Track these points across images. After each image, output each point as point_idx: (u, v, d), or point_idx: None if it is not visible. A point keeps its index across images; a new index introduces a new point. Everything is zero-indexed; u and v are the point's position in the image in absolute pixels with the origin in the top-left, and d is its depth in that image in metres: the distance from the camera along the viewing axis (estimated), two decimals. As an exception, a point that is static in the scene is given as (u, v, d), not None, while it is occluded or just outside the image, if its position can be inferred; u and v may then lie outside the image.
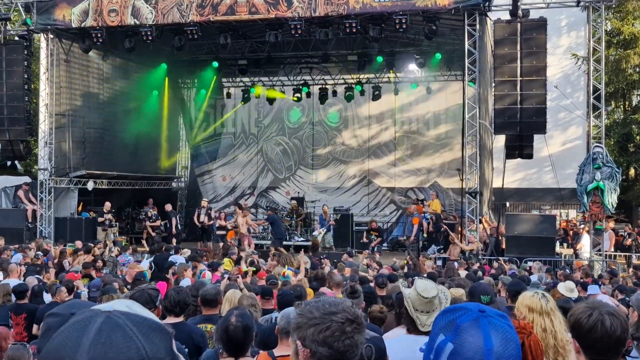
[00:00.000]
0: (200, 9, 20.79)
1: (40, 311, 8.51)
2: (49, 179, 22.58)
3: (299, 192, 29.92)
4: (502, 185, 21.66)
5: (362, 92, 28.94)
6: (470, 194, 19.64)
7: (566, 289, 9.39)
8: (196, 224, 23.91)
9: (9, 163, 27.00)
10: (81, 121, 24.35)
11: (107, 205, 23.21)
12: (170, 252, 16.84)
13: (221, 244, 22.68)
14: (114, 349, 1.35)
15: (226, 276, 11.90)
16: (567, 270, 15.46)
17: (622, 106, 33.10)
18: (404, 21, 19.47)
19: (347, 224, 25.19)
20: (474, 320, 1.85)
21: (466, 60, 19.74)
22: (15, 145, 22.51)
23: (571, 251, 20.44)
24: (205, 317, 6.54)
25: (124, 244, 22.08)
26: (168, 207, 24.69)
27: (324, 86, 29.61)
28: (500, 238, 19.95)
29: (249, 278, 12.29)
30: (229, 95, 31.26)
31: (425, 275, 12.05)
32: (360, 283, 9.85)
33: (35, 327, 8.63)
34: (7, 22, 22.83)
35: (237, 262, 15.52)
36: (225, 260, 15.34)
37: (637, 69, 29.09)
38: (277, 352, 4.58)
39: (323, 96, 29.39)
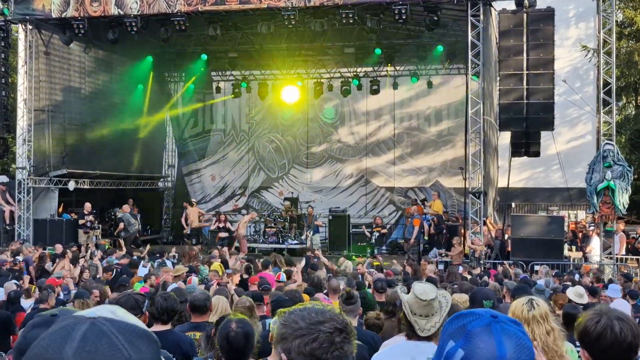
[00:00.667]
0: (188, -2, 20.79)
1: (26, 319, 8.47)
2: (27, 179, 22.52)
3: (292, 193, 29.91)
4: (508, 185, 21.67)
5: (359, 87, 28.94)
6: (474, 194, 19.66)
7: (575, 294, 9.37)
8: (183, 227, 23.93)
9: (-16, 162, 26.96)
10: (62, 117, 24.28)
11: (88, 206, 23.10)
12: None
13: (198, 247, 22.79)
14: (99, 357, 1.35)
15: (214, 281, 11.89)
16: (576, 276, 15.48)
17: (634, 101, 33.21)
18: (403, 11, 19.47)
19: (343, 225, 25.21)
20: (486, 326, 1.84)
21: (469, 53, 19.76)
22: (-8, 142, 22.49)
23: (580, 254, 20.46)
24: (193, 325, 6.53)
25: (107, 247, 22.04)
26: (126, 208, 24.22)
27: (319, 80, 29.60)
28: (505, 241, 19.98)
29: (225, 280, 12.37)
30: (218, 89, 31.24)
31: (424, 279, 12.06)
32: (357, 289, 9.86)
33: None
34: (-17, 12, 22.80)
35: (226, 265, 15.54)
36: (215, 264, 15.30)
37: (650, 62, 29.17)
38: (271, 360, 4.58)
39: (318, 91, 29.38)
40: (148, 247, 20.46)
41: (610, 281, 14.89)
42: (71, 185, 23.35)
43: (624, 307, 9.31)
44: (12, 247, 18.31)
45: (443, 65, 28.19)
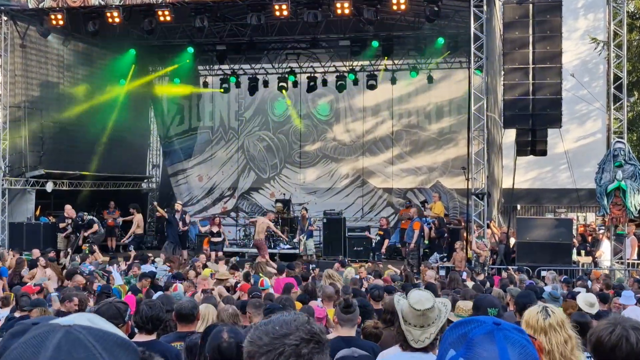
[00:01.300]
0: (173, -12, 20.77)
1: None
2: (2, 180, 22.47)
3: (284, 194, 29.86)
4: (513, 185, 21.70)
5: (355, 82, 28.95)
6: (477, 196, 19.67)
7: (585, 302, 9.32)
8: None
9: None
10: (39, 114, 24.23)
11: (68, 208, 23.04)
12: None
13: (185, 252, 22.80)
14: None
15: (200, 288, 11.90)
16: (588, 282, 15.47)
17: (645, 97, 33.23)
18: (402, 1, 19.48)
19: (338, 229, 25.18)
20: (488, 334, 1.84)
21: (472, 46, 19.77)
22: (-36, 141, 22.42)
23: (590, 259, 20.48)
24: (180, 335, 6.50)
25: (86, 252, 21.96)
26: (71, 212, 23.18)
27: (312, 75, 29.59)
28: (509, 244, 20.00)
29: (209, 283, 12.39)
30: (205, 84, 31.21)
31: (424, 286, 12.05)
32: (354, 295, 9.84)
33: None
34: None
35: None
36: (206, 270, 15.30)
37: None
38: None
39: (312, 86, 29.37)
40: (133, 252, 20.41)
41: (622, 287, 14.90)
42: (49, 186, 23.29)
43: (637, 314, 9.29)
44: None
45: (444, 58, 28.20)
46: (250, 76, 30.08)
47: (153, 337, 6.09)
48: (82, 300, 10.18)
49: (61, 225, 22.84)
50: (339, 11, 20.14)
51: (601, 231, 22.15)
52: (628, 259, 19.71)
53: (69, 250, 21.48)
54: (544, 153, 19.86)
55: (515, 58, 18.93)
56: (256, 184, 31.61)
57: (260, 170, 31.62)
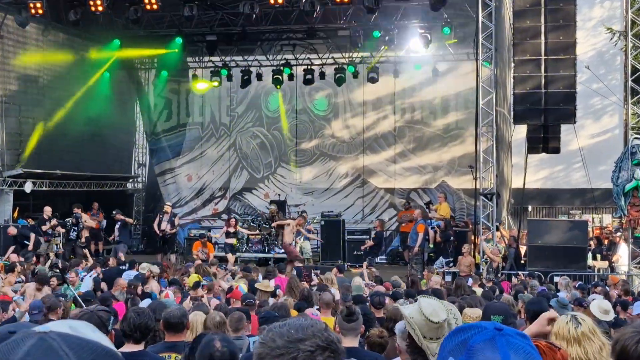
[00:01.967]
0: (160, -26, 20.76)
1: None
2: (-23, 180, 22.46)
3: (279, 195, 29.88)
4: (523, 185, 21.71)
5: (355, 74, 28.90)
6: (485, 196, 19.69)
7: (599, 309, 9.31)
8: (156, 233, 23.83)
9: None
10: (17, 109, 24.21)
11: (48, 210, 22.98)
12: (123, 267, 16.80)
13: (173, 256, 22.79)
14: None
15: (188, 296, 11.89)
16: (606, 287, 15.47)
17: (665, 90, 33.30)
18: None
19: (337, 232, 25.18)
20: (490, 340, 1.84)
21: (480, 36, 19.79)
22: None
23: (606, 264, 20.51)
24: (168, 345, 6.49)
25: (70, 257, 21.94)
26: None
27: (309, 67, 29.56)
28: (519, 248, 20.02)
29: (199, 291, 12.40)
30: (195, 77, 31.19)
31: (430, 291, 12.05)
32: (355, 302, 9.84)
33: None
34: None
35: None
36: (193, 276, 15.28)
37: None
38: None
39: (308, 79, 29.34)
40: (121, 255, 20.40)
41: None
42: (28, 187, 23.26)
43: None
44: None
45: (450, 49, 28.17)
46: (243, 68, 30.01)
47: (140, 347, 6.07)
48: (66, 309, 10.17)
49: (44, 227, 22.76)
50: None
51: (618, 234, 22.17)
52: (647, 264, 19.77)
53: (50, 254, 21.43)
54: (556, 150, 19.87)
55: (526, 49, 18.92)
56: (249, 184, 31.56)
57: (254, 169, 31.58)
